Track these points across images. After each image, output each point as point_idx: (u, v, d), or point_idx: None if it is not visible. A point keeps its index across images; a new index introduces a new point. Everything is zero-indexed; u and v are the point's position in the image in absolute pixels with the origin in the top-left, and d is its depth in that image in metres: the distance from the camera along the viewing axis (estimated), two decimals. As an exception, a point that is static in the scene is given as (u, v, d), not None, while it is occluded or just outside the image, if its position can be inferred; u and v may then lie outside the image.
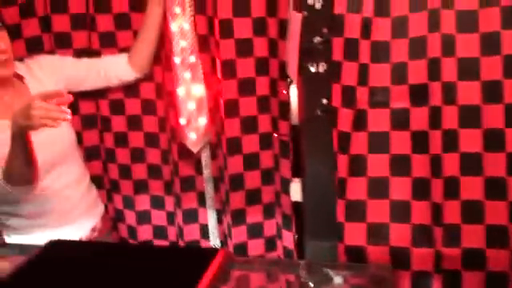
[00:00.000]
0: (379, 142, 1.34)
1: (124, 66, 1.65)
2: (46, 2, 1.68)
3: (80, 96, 1.71)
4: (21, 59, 1.59)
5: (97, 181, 1.77)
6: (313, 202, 1.45)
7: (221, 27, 1.45)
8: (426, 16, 1.26)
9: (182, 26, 1.54)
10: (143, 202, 1.82)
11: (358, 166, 1.35)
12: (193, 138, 1.62)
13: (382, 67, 1.31)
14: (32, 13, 1.68)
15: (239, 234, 1.61)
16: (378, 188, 1.34)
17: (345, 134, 1.34)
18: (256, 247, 1.64)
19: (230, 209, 1.58)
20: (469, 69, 1.25)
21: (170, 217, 1.81)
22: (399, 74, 1.30)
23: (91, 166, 1.78)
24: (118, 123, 1.76)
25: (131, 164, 1.78)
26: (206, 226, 1.74)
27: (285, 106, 1.48)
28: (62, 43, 1.70)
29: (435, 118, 1.28)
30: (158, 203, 1.82)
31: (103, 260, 1.31)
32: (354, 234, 1.36)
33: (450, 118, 1.27)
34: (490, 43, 1.23)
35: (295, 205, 1.52)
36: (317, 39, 1.35)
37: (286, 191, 1.53)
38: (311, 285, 1.24)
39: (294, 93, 1.46)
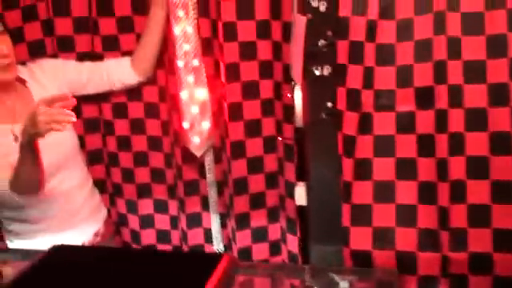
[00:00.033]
0: (385, 146, 1.33)
1: (127, 70, 1.65)
2: (48, 6, 1.67)
3: (83, 100, 1.70)
4: (23, 63, 1.58)
5: (100, 185, 1.76)
6: (318, 205, 1.44)
7: (224, 30, 1.44)
8: (432, 18, 1.25)
9: (185, 29, 1.53)
10: (146, 206, 1.81)
11: (363, 170, 1.34)
12: (196, 142, 1.61)
13: (387, 70, 1.30)
14: (34, 16, 1.67)
15: (243, 238, 1.60)
16: (384, 192, 1.34)
17: (350, 138, 1.33)
18: (260, 251, 1.63)
19: (234, 213, 1.57)
20: (475, 71, 1.25)
21: (174, 221, 1.80)
22: (405, 76, 1.30)
23: (94, 169, 1.77)
24: (121, 127, 1.75)
25: (134, 168, 1.78)
26: (210, 230, 1.73)
27: (289, 109, 1.47)
28: (65, 47, 1.69)
29: (441, 121, 1.27)
30: (161, 207, 1.81)
31: (107, 265, 1.30)
32: (360, 239, 1.35)
33: (456, 121, 1.26)
34: (497, 45, 1.22)
35: (300, 209, 1.51)
36: (321, 42, 1.34)
37: (291, 195, 1.52)
38: (316, 290, 1.23)
39: (298, 96, 1.45)
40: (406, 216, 1.33)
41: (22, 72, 1.52)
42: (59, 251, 1.36)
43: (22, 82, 1.51)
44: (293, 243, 1.56)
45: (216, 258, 1.29)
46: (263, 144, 1.55)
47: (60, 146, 1.50)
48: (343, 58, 1.31)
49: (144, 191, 1.80)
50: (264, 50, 1.49)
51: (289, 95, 1.46)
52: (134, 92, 1.72)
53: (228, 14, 1.44)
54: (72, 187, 1.57)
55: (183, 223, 1.73)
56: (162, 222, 1.82)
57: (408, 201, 1.33)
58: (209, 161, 1.67)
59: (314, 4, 1.32)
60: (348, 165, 1.34)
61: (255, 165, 1.56)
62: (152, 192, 1.80)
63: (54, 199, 1.51)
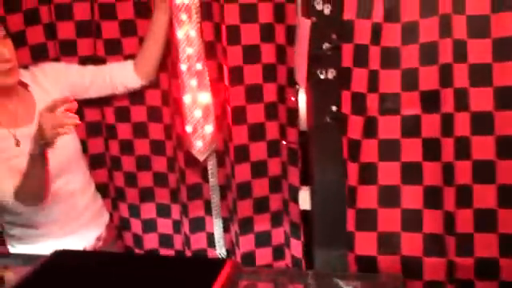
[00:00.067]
0: (390, 150, 1.31)
1: (130, 73, 1.64)
2: (50, 9, 1.67)
3: (85, 103, 1.70)
4: (25, 67, 1.58)
5: (102, 189, 1.76)
6: (322, 210, 1.43)
7: (228, 33, 1.44)
8: (437, 21, 1.24)
9: (188, 32, 1.52)
10: (149, 211, 1.80)
11: (368, 174, 1.32)
12: (199, 146, 1.60)
13: (392, 73, 1.29)
14: (37, 20, 1.67)
15: (247, 242, 1.58)
16: (389, 196, 1.32)
17: (355, 142, 1.32)
18: (264, 256, 1.62)
19: (238, 217, 1.56)
20: (481, 75, 1.23)
21: (176, 225, 1.79)
22: (410, 80, 1.28)
23: (96, 174, 1.76)
24: (124, 131, 1.75)
25: (137, 172, 1.77)
26: (213, 234, 1.72)
27: (293, 112, 1.46)
28: (67, 50, 1.69)
29: (447, 124, 1.26)
30: (163, 211, 1.80)
31: (109, 270, 1.29)
32: (365, 244, 1.34)
33: (462, 124, 1.25)
34: (503, 48, 1.21)
35: (304, 213, 1.50)
36: (326, 45, 1.33)
37: (295, 199, 1.51)
38: (321, 295, 1.22)
39: (302, 99, 1.44)
40: (412, 221, 1.31)
41: (24, 76, 1.51)
42: (61, 256, 1.36)
43: (24, 86, 1.50)
44: (297, 248, 1.55)
45: (219, 263, 1.28)
46: (267, 148, 1.54)
47: (62, 150, 1.49)
48: (348, 62, 1.30)
49: (147, 195, 1.79)
50: (268, 54, 1.48)
51: (293, 99, 1.45)
52: (136, 96, 1.71)
53: (231, 17, 1.43)
54: (74, 191, 1.56)
55: (186, 228, 1.72)
56: (164, 226, 1.81)
57: (413, 205, 1.31)
58: (212, 165, 1.66)
59: (319, 7, 1.30)
60: (353, 169, 1.33)
61: (259, 169, 1.55)
62: (155, 196, 1.79)
63: (56, 203, 1.51)
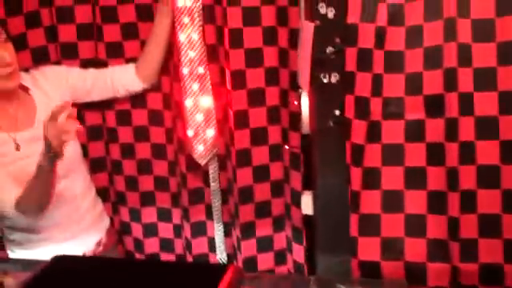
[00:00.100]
0: (393, 155, 1.30)
1: (131, 76, 1.63)
2: (52, 12, 1.66)
3: (86, 107, 1.69)
4: (26, 70, 1.57)
5: (103, 193, 1.74)
6: (325, 215, 1.42)
7: (230, 37, 1.43)
8: (442, 25, 1.23)
9: (190, 36, 1.51)
10: (150, 215, 1.79)
11: (371, 179, 1.31)
12: (200, 150, 1.59)
13: (396, 77, 1.28)
14: (38, 23, 1.66)
15: (248, 247, 1.57)
16: (393, 201, 1.31)
17: (358, 146, 1.31)
18: (265, 261, 1.60)
19: (240, 222, 1.55)
20: (486, 79, 1.22)
21: (177, 229, 1.78)
22: (414, 84, 1.27)
23: (97, 177, 1.75)
24: (125, 134, 1.73)
25: (138, 176, 1.76)
26: (214, 239, 1.71)
27: (295, 116, 1.45)
28: (69, 53, 1.68)
29: (451, 129, 1.25)
30: (164, 216, 1.79)
31: (110, 276, 1.28)
32: (368, 249, 1.33)
33: (467, 129, 1.24)
34: (507, 52, 1.20)
35: (306, 218, 1.49)
36: (329, 49, 1.32)
37: (297, 204, 1.50)
38: (324, 301, 1.21)
39: (305, 103, 1.43)
40: (415, 226, 1.31)
41: (25, 79, 1.50)
42: (61, 262, 1.34)
43: (25, 89, 1.49)
44: (299, 253, 1.54)
45: (221, 268, 1.27)
46: (269, 152, 1.53)
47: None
48: (351, 66, 1.29)
49: (147, 199, 1.78)
50: (270, 57, 1.47)
51: (296, 103, 1.44)
52: (137, 99, 1.70)
53: (234, 20, 1.42)
54: (75, 195, 1.55)
55: (187, 232, 1.71)
56: (165, 230, 1.80)
57: (417, 210, 1.31)
58: (213, 169, 1.65)
59: (322, 11, 1.30)
60: (356, 174, 1.32)
61: (261, 173, 1.53)
62: (155, 200, 1.78)
63: (57, 208, 1.49)
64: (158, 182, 1.76)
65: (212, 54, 1.53)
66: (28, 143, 1.43)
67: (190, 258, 1.73)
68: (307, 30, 1.33)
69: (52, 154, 1.26)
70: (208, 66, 1.54)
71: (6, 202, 1.36)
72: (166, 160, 1.74)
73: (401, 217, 1.31)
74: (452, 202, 1.27)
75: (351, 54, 1.29)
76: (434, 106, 1.27)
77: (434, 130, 1.28)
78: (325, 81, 1.34)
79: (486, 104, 1.23)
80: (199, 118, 1.57)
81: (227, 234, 1.69)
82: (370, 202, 1.32)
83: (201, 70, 1.54)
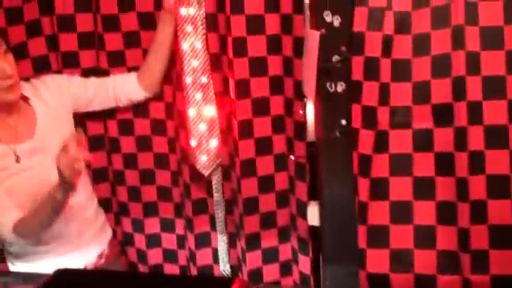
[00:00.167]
0: (401, 165, 1.28)
1: (133, 85, 1.61)
2: (53, 21, 1.64)
3: (87, 116, 1.67)
4: (27, 79, 1.55)
5: (105, 204, 1.72)
6: (332, 226, 1.39)
7: (234, 45, 1.41)
8: (449, 33, 1.21)
9: (193, 44, 1.49)
10: (153, 225, 1.77)
11: (379, 190, 1.29)
12: (204, 161, 1.57)
13: (403, 86, 1.26)
14: (39, 31, 1.64)
15: (254, 259, 1.54)
16: (401, 212, 1.29)
17: (365, 157, 1.29)
18: (271, 272, 1.58)
19: (244, 233, 1.52)
20: (495, 87, 1.20)
21: (181, 240, 1.76)
22: (422, 93, 1.26)
23: (99, 188, 1.73)
24: (127, 144, 1.71)
25: (141, 186, 1.73)
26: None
27: (300, 126, 1.43)
28: (70, 62, 1.66)
29: (460, 138, 1.23)
30: (168, 226, 1.76)
31: (113, 289, 1.25)
32: (377, 261, 1.30)
33: (476, 138, 1.22)
34: (517, 60, 1.18)
35: (312, 229, 1.47)
36: (335, 58, 1.30)
37: (303, 214, 1.47)
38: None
39: (310, 112, 1.41)
40: (425, 237, 1.28)
41: (26, 89, 1.48)
42: (64, 275, 1.31)
43: (25, 99, 1.47)
44: (305, 264, 1.51)
45: (227, 282, 1.24)
46: (274, 162, 1.51)
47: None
48: (358, 74, 1.27)
49: (150, 210, 1.76)
50: (275, 66, 1.45)
51: (301, 112, 1.41)
52: (140, 108, 1.68)
53: (238, 28, 1.40)
54: (76, 207, 1.52)
55: (191, 243, 1.68)
56: (168, 241, 1.78)
57: (426, 221, 1.28)
58: (216, 179, 1.62)
59: (328, 19, 1.28)
60: (364, 185, 1.30)
61: (266, 183, 1.51)
62: (159, 211, 1.75)
63: (58, 220, 1.46)
64: (161, 192, 1.74)
65: (215, 62, 1.51)
66: (28, 155, 1.41)
67: (194, 270, 1.71)
68: (312, 38, 1.31)
69: (66, 185, 1.26)
70: (211, 75, 1.52)
71: (4, 225, 1.34)
72: (168, 170, 1.72)
73: (410, 228, 1.29)
74: (462, 213, 1.24)
75: (358, 63, 1.27)
76: (443, 114, 1.24)
77: (443, 139, 1.26)
78: (331, 90, 1.32)
79: (496, 113, 1.21)
80: (202, 127, 1.55)
81: (232, 245, 1.66)
82: (378, 213, 1.30)
83: (204, 79, 1.52)
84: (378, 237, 1.30)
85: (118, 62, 1.64)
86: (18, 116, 1.43)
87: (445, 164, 1.26)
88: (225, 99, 1.52)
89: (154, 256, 1.78)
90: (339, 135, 1.33)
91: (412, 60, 1.25)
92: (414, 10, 1.23)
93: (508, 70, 1.19)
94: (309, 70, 1.34)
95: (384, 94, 1.26)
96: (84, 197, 1.56)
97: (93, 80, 1.62)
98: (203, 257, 1.69)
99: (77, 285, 1.29)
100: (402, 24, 1.23)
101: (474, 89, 1.21)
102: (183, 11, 1.48)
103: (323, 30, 1.29)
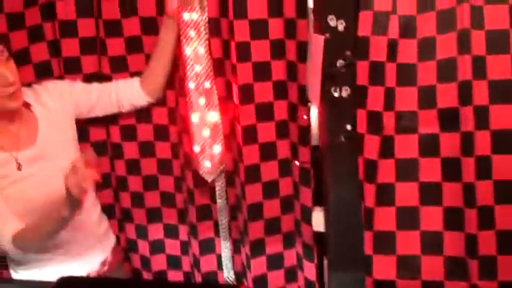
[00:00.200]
0: (408, 170, 1.27)
1: (136, 90, 1.60)
2: (54, 26, 1.62)
3: (90, 122, 1.66)
4: (29, 85, 1.53)
5: (108, 210, 1.71)
6: (338, 232, 1.38)
7: (238, 50, 1.39)
8: (455, 37, 1.20)
9: (196, 50, 1.48)
10: (156, 231, 1.76)
11: (385, 195, 1.28)
12: (207, 167, 1.55)
13: (409, 91, 1.25)
14: (41, 37, 1.63)
15: (258, 265, 1.53)
16: (408, 218, 1.28)
17: (371, 162, 1.28)
18: (276, 279, 1.57)
19: (249, 239, 1.51)
20: (501, 91, 1.19)
21: (185, 246, 1.74)
22: (427, 97, 1.25)
23: (102, 194, 1.71)
24: (130, 150, 1.70)
25: (144, 192, 1.72)
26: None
27: (304, 131, 1.42)
28: (72, 68, 1.64)
29: (467, 143, 1.22)
30: (171, 232, 1.75)
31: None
32: (383, 267, 1.29)
33: (483, 143, 1.21)
34: (523, 64, 1.17)
35: (317, 234, 1.45)
36: (340, 62, 1.29)
37: (307, 220, 1.46)
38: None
39: (314, 117, 1.40)
40: (432, 243, 1.27)
41: (27, 95, 1.47)
42: (68, 283, 1.31)
43: (27, 106, 1.45)
44: (310, 270, 1.50)
45: (232, 289, 1.23)
46: (278, 167, 1.50)
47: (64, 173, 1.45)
48: (363, 79, 1.26)
49: (154, 216, 1.74)
50: (278, 70, 1.44)
51: (305, 117, 1.40)
52: (142, 114, 1.67)
53: (241, 33, 1.39)
54: (80, 213, 1.51)
55: (195, 249, 1.67)
56: (172, 247, 1.76)
57: (433, 227, 1.27)
58: (220, 185, 1.61)
59: (332, 23, 1.27)
60: (369, 190, 1.28)
61: (270, 189, 1.50)
62: (162, 216, 1.74)
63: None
64: (165, 198, 1.73)
65: (218, 67, 1.50)
66: (29, 162, 1.40)
67: (198, 276, 1.70)
68: (316, 43, 1.30)
69: (73, 202, 1.25)
70: (214, 80, 1.51)
71: (3, 236, 1.33)
72: (172, 175, 1.71)
73: (416, 234, 1.28)
74: (469, 219, 1.23)
75: (363, 68, 1.26)
76: (449, 119, 1.23)
77: (449, 144, 1.24)
78: (336, 95, 1.31)
79: (503, 117, 1.20)
80: (206, 133, 1.53)
81: (236, 251, 1.65)
82: (385, 219, 1.29)
83: (207, 84, 1.50)
84: (385, 243, 1.29)
85: (120, 67, 1.63)
86: (20, 123, 1.42)
87: (451, 169, 1.25)
88: (228, 104, 1.51)
89: (158, 262, 1.77)
90: (344, 140, 1.32)
91: (417, 64, 1.24)
92: (419, 13, 1.22)
93: (514, 74, 1.18)
94: (313, 74, 1.33)
95: (389, 99, 1.25)
96: (87, 204, 1.55)
97: (95, 85, 1.61)
98: (207, 263, 1.68)
99: (80, 293, 1.28)
100: (407, 28, 1.22)
101: (481, 93, 1.20)
102: (186, 16, 1.46)
103: (328, 35, 1.28)
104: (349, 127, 1.31)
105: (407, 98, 1.25)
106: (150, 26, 1.59)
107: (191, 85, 1.51)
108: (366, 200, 1.29)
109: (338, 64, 1.29)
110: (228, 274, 1.68)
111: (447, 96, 1.23)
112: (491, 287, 1.23)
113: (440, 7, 1.20)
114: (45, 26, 1.63)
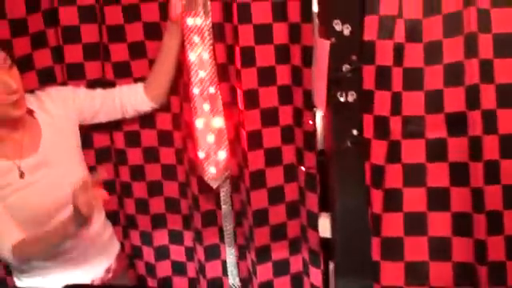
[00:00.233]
0: (415, 175, 1.26)
1: (140, 96, 1.59)
2: (58, 32, 1.62)
3: (93, 128, 1.65)
4: (32, 91, 1.52)
5: (112, 216, 1.69)
6: (344, 238, 1.37)
7: (242, 55, 1.38)
8: (462, 40, 1.19)
9: (201, 55, 1.47)
10: (161, 237, 1.74)
11: (393, 201, 1.27)
12: (212, 173, 1.54)
13: (415, 95, 1.24)
14: (44, 43, 1.62)
15: (264, 271, 1.52)
16: (416, 224, 1.27)
17: (378, 167, 1.27)
18: (282, 285, 1.55)
19: (255, 245, 1.50)
20: (509, 95, 1.18)
21: (190, 252, 1.73)
22: (434, 102, 1.23)
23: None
24: (134, 156, 1.69)
25: (148, 198, 1.71)
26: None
27: (310, 136, 1.41)
28: (75, 74, 1.64)
29: (475, 148, 1.20)
30: (176, 238, 1.74)
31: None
32: (391, 274, 1.28)
33: (491, 148, 1.19)
34: (532, 68, 1.16)
35: (323, 240, 1.44)
36: (345, 67, 1.28)
37: (313, 226, 1.45)
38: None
39: (319, 122, 1.39)
40: (440, 249, 1.26)
41: (30, 101, 1.46)
42: (73, 292, 1.30)
43: (30, 112, 1.44)
44: (316, 276, 1.49)
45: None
46: (284, 173, 1.48)
47: (69, 178, 1.43)
48: (369, 84, 1.25)
49: (158, 222, 1.73)
50: (283, 75, 1.43)
51: (310, 122, 1.39)
52: (146, 119, 1.66)
53: (246, 38, 1.38)
54: (86, 229, 1.50)
55: (201, 255, 1.66)
56: (177, 253, 1.75)
57: (441, 233, 1.26)
58: (225, 191, 1.60)
59: (338, 28, 1.26)
60: (377, 196, 1.27)
61: (275, 195, 1.49)
62: (167, 223, 1.73)
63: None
64: (169, 204, 1.72)
65: (223, 73, 1.49)
66: (32, 170, 1.39)
67: (203, 282, 1.68)
68: (322, 47, 1.29)
69: (81, 220, 1.25)
70: (219, 85, 1.50)
71: (4, 245, 1.32)
72: (176, 181, 1.70)
73: (424, 240, 1.26)
74: (478, 224, 1.22)
75: (369, 72, 1.25)
76: (456, 124, 1.22)
77: (457, 148, 1.23)
78: (341, 100, 1.30)
79: (511, 121, 1.18)
80: (210, 139, 1.52)
81: (242, 257, 1.64)
82: (392, 225, 1.27)
83: (212, 89, 1.50)
84: (392, 249, 1.28)
85: (123, 72, 1.62)
86: (23, 131, 1.41)
87: (459, 174, 1.23)
88: (233, 110, 1.50)
89: (163, 269, 1.76)
90: (351, 145, 1.31)
91: (424, 68, 1.23)
92: (425, 17, 1.21)
93: (523, 78, 1.17)
94: (318, 79, 1.32)
95: (396, 104, 1.24)
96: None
97: (99, 91, 1.60)
98: (213, 269, 1.67)
99: (85, 301, 1.27)
100: (414, 32, 1.21)
101: (488, 97, 1.19)
102: (190, 21, 1.45)
103: (333, 39, 1.27)
104: (355, 132, 1.30)
105: (414, 103, 1.24)
106: (154, 32, 1.58)
107: (196, 90, 1.50)
108: (373, 206, 1.28)
109: (343, 69, 1.28)
110: (233, 281, 1.67)
111: (454, 100, 1.22)
112: (501, 293, 1.22)
113: (446, 11, 1.19)
114: (48, 32, 1.62)
